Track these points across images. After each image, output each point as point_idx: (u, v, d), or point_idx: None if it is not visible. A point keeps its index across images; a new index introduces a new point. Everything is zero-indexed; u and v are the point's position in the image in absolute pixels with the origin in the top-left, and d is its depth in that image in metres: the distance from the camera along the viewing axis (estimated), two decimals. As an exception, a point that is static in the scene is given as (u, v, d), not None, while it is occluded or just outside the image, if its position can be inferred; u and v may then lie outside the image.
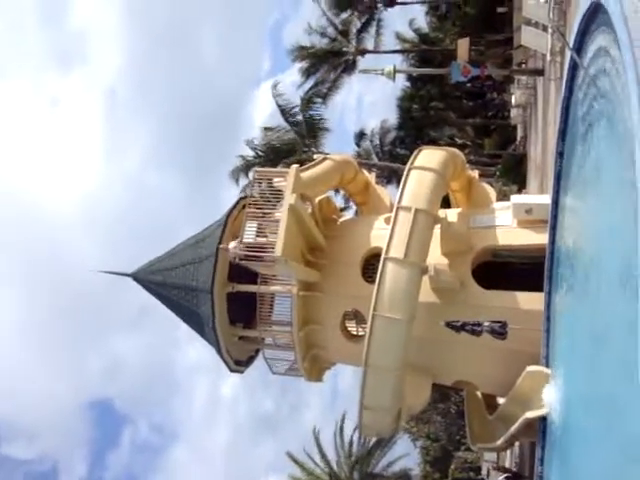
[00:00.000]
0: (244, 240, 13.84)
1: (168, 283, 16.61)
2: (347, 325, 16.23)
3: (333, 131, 38.42)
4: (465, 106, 49.70)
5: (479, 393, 16.85)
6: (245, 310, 16.38)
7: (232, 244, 14.65)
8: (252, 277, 15.86)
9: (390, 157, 43.10)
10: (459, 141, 46.15)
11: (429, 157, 14.25)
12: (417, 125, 45.47)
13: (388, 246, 12.76)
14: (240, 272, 15.43)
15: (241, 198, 16.44)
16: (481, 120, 48.96)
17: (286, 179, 14.08)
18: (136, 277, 17.56)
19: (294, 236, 14.14)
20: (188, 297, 16.24)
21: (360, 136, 43.99)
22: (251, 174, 33.05)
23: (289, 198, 13.80)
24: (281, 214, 13.74)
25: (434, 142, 40.89)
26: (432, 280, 13.73)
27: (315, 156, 16.82)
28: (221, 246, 15.06)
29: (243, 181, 36.26)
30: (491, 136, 47.96)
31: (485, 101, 49.34)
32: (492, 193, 17.09)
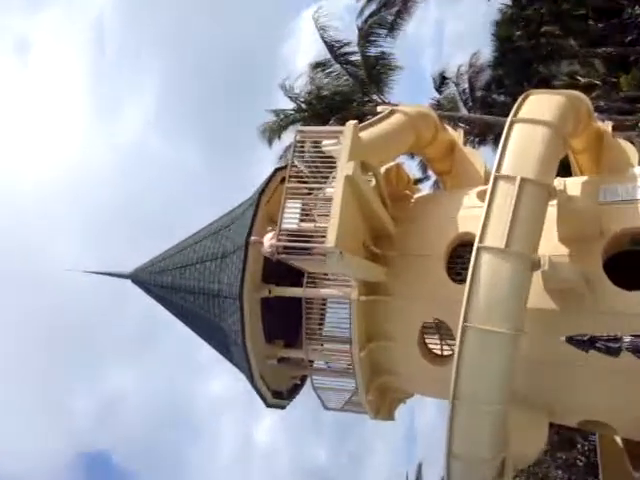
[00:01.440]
0: (284, 226, 14.18)
1: (181, 286, 17.23)
2: (427, 341, 16.55)
3: (404, 73, 37.76)
4: (592, 29, 48.43)
5: (618, 438, 17.15)
6: (286, 322, 16.91)
7: (268, 236, 14.98)
8: (295, 277, 16.29)
9: (484, 106, 42.60)
10: (583, 80, 45.18)
11: (540, 105, 14.31)
12: (521, 60, 44.65)
13: (483, 231, 12.94)
14: (279, 270, 15.90)
15: (278, 169, 16.82)
16: (615, 49, 47.75)
17: (340, 141, 14.33)
18: (137, 279, 18.18)
19: (352, 220, 14.40)
20: (208, 305, 16.83)
21: (441, 79, 43.51)
22: (290, 135, 33.17)
23: (345, 167, 13.99)
24: (334, 190, 13.96)
25: (546, 83, 39.99)
26: (547, 278, 13.77)
27: (379, 108, 17.17)
28: (252, 238, 15.51)
29: (279, 145, 36.58)
30: (630, 72, 46.72)
31: (622, 21, 47.95)
32: (632, 153, 17.11)
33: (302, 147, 15.38)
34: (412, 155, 23.76)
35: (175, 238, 18.39)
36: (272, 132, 36.78)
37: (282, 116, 37.02)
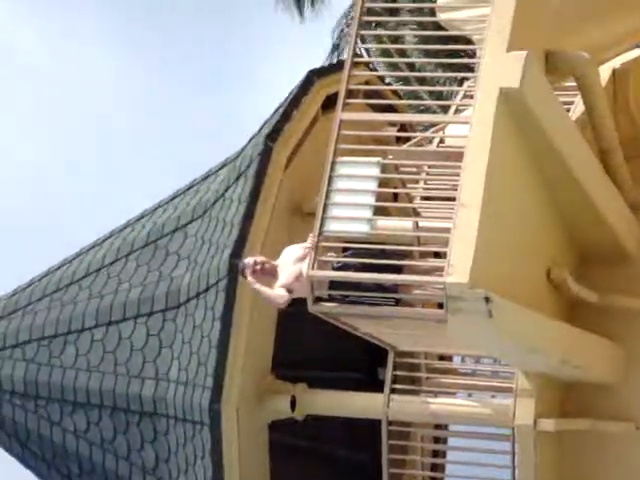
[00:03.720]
0: (331, 227, 11.41)
1: (58, 389, 14.92)
2: None
3: None
4: None
5: None
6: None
7: (289, 255, 12.58)
8: (362, 360, 16.17)
9: None
10: None
11: None
12: None
13: None
14: (318, 344, 15.53)
15: (315, 73, 14.71)
16: None
17: None
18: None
19: (519, 212, 12.35)
20: (129, 438, 14.59)
21: None
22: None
23: (500, 70, 11.41)
24: (470, 133, 11.31)
25: None
26: None
27: None
28: (247, 262, 12.61)
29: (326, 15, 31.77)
30: None
31: None
32: None
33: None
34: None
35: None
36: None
37: None
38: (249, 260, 12.30)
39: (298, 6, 32.28)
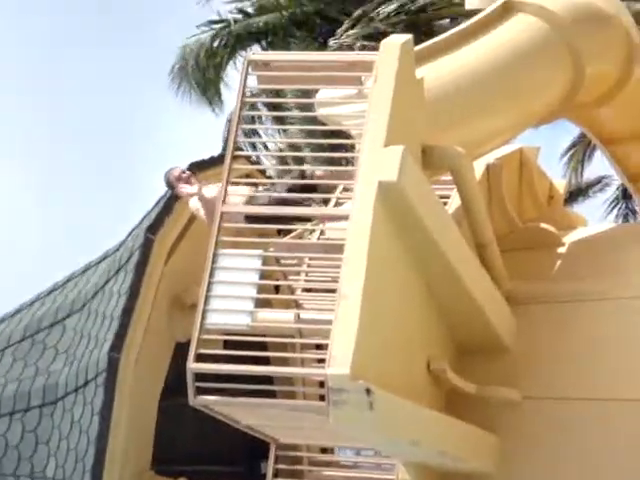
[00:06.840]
0: (212, 320, 11.67)
1: None
2: None
3: None
4: None
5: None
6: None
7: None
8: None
9: None
10: None
11: None
12: None
13: None
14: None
15: (194, 165, 14.76)
16: None
17: (367, 91, 12.31)
18: None
19: (400, 304, 12.22)
20: None
21: None
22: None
23: (379, 163, 11.64)
24: (351, 225, 11.63)
25: None
26: None
27: (471, 3, 16.95)
28: (173, 173, 14.07)
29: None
30: None
31: None
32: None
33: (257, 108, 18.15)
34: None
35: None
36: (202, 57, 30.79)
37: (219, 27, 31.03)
38: (175, 170, 13.03)
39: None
